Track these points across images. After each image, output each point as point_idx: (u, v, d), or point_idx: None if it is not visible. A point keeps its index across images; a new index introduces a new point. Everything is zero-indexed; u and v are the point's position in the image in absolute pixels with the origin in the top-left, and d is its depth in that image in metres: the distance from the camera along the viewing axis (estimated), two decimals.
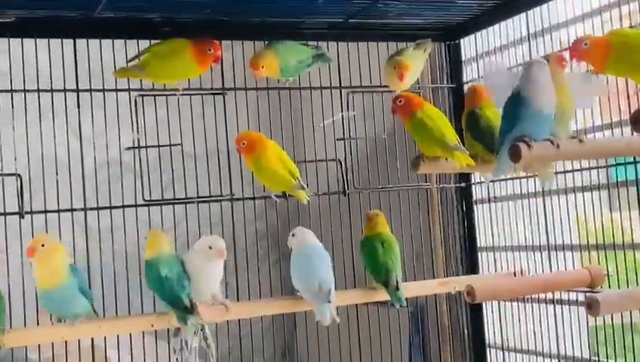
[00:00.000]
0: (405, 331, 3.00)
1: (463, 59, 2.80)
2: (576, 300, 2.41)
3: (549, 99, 1.86)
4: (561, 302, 2.46)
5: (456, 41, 2.77)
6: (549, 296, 2.48)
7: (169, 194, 2.41)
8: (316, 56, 2.43)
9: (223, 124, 2.41)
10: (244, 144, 2.29)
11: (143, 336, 2.39)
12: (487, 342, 2.76)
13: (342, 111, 2.54)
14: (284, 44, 2.37)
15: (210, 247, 2.16)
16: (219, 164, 2.41)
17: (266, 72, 2.34)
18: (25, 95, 2.25)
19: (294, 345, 3.84)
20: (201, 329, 2.46)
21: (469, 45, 2.79)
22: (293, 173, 2.31)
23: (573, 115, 2.05)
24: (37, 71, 2.23)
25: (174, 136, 2.39)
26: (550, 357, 2.51)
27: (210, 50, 2.24)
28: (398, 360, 2.76)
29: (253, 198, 2.46)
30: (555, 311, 2.46)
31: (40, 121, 2.23)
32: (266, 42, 2.39)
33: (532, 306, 2.57)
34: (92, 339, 2.35)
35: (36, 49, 2.25)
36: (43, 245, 2.02)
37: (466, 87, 2.62)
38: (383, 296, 2.36)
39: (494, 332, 2.73)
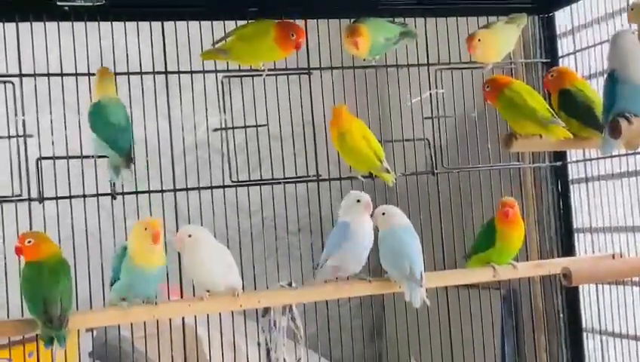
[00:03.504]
0: (497, 315, 2.95)
1: (558, 32, 2.72)
2: None
3: None
4: None
5: (551, 14, 2.69)
6: None
7: (256, 175, 2.43)
8: (403, 33, 2.38)
9: (308, 104, 2.41)
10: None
11: (232, 316, 2.42)
12: (583, 326, 2.70)
13: (430, 89, 2.50)
14: (372, 21, 2.33)
15: (190, 236, 2.10)
16: (305, 144, 2.41)
17: (359, 48, 2.27)
18: (115, 78, 2.31)
19: (383, 326, 3.84)
20: (290, 310, 2.48)
21: (563, 18, 2.70)
22: (379, 154, 2.29)
23: None
24: (126, 54, 2.28)
25: (260, 117, 2.41)
26: None
27: (292, 35, 2.19)
28: (490, 345, 2.72)
29: (340, 179, 2.46)
30: None
31: (130, 103, 2.27)
32: (352, 20, 2.36)
33: (632, 289, 2.49)
34: (183, 319, 2.41)
35: (125, 32, 2.30)
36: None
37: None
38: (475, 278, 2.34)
39: (591, 316, 2.66)
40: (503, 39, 2.35)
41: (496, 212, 2.30)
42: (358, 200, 2.16)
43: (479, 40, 2.29)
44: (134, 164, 2.12)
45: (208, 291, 2.10)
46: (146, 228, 2.01)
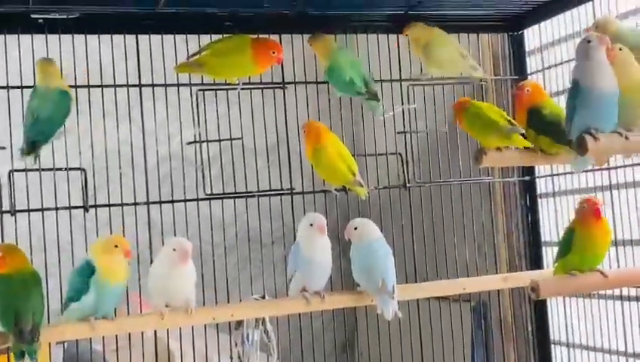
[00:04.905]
0: (468, 327, 2.97)
1: (527, 50, 2.75)
2: None
3: (606, 80, 1.79)
4: (629, 298, 2.41)
5: (520, 32, 2.72)
6: (617, 292, 2.42)
7: (230, 188, 2.42)
8: (369, 93, 2.34)
9: (283, 117, 2.42)
10: (304, 130, 2.31)
11: (205, 329, 2.41)
12: (551, 338, 2.72)
13: (402, 104, 2.52)
14: (351, 57, 2.36)
15: (174, 249, 2.07)
16: (279, 157, 2.41)
17: (319, 51, 2.35)
18: (89, 90, 2.30)
19: (355, 339, 3.84)
20: (262, 323, 2.48)
21: (532, 36, 2.74)
22: (352, 168, 2.30)
23: None
24: (100, 66, 2.26)
25: (235, 130, 2.41)
26: (617, 354, 2.45)
27: (274, 52, 2.22)
28: (460, 356, 2.73)
29: (313, 192, 2.46)
30: (622, 308, 2.41)
31: (103, 116, 2.26)
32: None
33: (599, 302, 2.52)
34: (155, 332, 2.39)
35: (99, 45, 2.29)
36: None
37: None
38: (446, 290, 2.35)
39: (559, 328, 2.68)
40: (436, 44, 2.40)
41: (578, 213, 2.12)
42: (311, 224, 2.18)
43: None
44: (37, 158, 2.12)
45: (167, 305, 2.07)
46: (116, 246, 2.01)
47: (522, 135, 2.22)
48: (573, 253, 2.10)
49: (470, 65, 2.46)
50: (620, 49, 1.89)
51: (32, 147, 2.10)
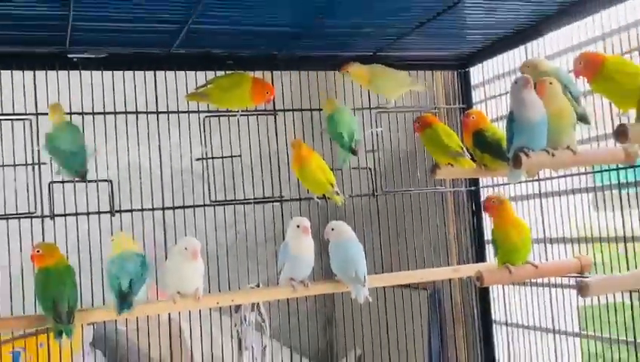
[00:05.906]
0: (425, 310, 3.00)
1: (472, 83, 2.80)
2: (569, 284, 2.40)
3: (534, 110, 1.83)
4: (555, 285, 2.46)
5: (466, 69, 2.77)
6: (546, 280, 2.47)
7: (231, 196, 2.45)
8: (350, 148, 2.37)
9: (274, 139, 2.45)
10: (293, 147, 2.34)
11: (211, 312, 2.42)
12: (493, 319, 2.75)
13: (372, 127, 2.56)
14: (348, 117, 2.37)
15: (186, 248, 2.06)
16: (271, 171, 2.44)
17: (327, 105, 2.40)
18: (115, 117, 2.32)
19: (333, 320, 3.86)
20: (257, 307, 2.50)
21: (477, 72, 2.79)
22: (331, 180, 2.33)
23: (570, 124, 1.91)
24: (124, 97, 2.29)
25: (235, 149, 2.44)
26: (546, 331, 2.50)
27: (268, 92, 2.27)
28: (419, 335, 2.76)
29: (299, 200, 2.50)
30: (550, 293, 2.46)
31: (127, 137, 2.29)
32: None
33: (532, 289, 2.56)
34: (169, 314, 2.40)
35: (124, 79, 2.32)
36: None
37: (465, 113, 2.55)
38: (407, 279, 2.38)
39: (499, 311, 2.73)
40: (379, 78, 2.43)
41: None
42: (298, 226, 2.19)
43: (347, 71, 2.43)
44: (86, 179, 2.13)
45: (179, 292, 2.08)
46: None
47: (472, 157, 2.26)
48: (499, 249, 2.12)
49: (411, 80, 2.49)
50: (551, 83, 1.93)
51: (82, 175, 2.11)
